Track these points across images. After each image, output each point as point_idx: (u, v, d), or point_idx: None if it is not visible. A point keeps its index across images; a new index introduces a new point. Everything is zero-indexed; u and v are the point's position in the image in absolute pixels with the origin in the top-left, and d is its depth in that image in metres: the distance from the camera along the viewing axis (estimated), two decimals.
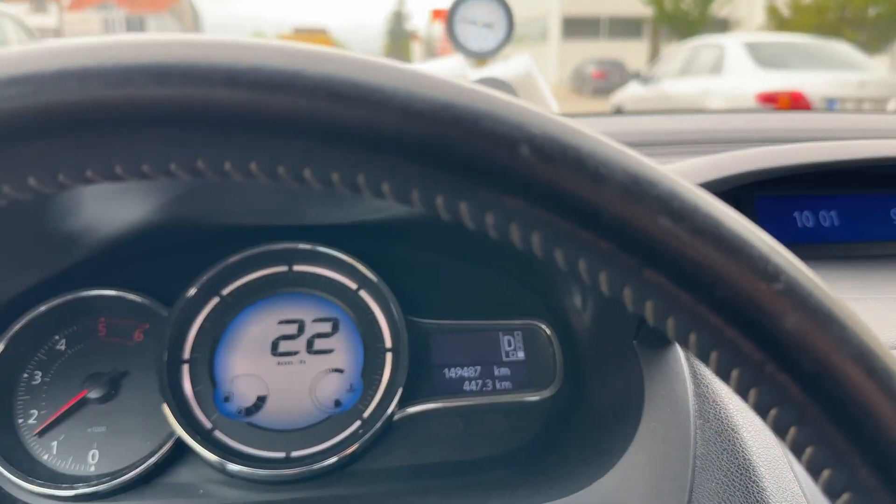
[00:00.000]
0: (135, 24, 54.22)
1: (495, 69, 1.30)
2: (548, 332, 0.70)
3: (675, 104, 6.94)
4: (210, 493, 0.61)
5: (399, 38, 61.73)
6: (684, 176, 0.62)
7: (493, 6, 1.30)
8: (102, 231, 0.62)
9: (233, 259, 0.67)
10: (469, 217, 0.22)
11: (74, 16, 50.99)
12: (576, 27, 30.00)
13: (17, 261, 0.61)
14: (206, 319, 0.66)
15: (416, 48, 53.97)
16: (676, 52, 8.31)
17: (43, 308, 0.65)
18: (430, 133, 0.20)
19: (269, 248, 0.68)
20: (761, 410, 0.22)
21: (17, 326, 0.64)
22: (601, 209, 0.21)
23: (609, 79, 22.32)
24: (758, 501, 0.48)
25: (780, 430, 0.22)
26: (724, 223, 0.21)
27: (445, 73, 1.39)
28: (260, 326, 0.68)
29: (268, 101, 0.20)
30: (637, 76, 8.26)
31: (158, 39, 0.21)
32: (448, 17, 1.30)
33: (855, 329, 0.21)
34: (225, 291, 0.68)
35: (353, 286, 0.69)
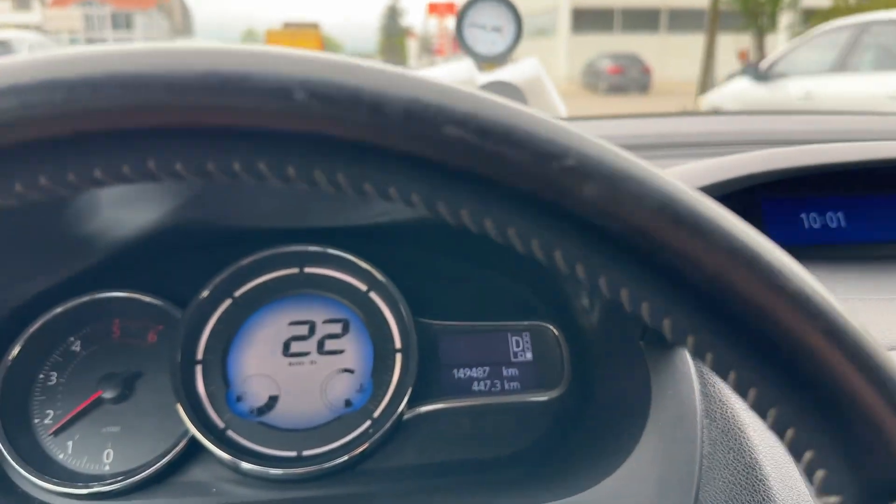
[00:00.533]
0: (121, 21, 52.74)
1: (503, 73, 1.31)
2: (556, 332, 0.71)
3: (844, 107, 4.78)
4: (223, 491, 0.62)
5: (394, 35, 60.89)
6: (689, 178, 0.63)
7: (502, 10, 1.31)
8: (117, 234, 0.63)
9: (245, 261, 0.68)
10: (519, 240, 0.23)
11: (57, 12, 50.48)
12: (587, 20, 28.30)
13: (34, 263, 0.62)
14: (218, 321, 0.67)
15: (412, 45, 52.69)
16: (813, 40, 5.96)
17: (58, 310, 0.66)
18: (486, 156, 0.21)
19: (280, 251, 0.69)
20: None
21: (33, 328, 0.65)
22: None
23: (626, 74, 20.53)
24: (764, 500, 0.48)
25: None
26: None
27: (453, 76, 1.40)
28: (271, 328, 0.69)
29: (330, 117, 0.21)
30: (751, 70, 6.22)
31: (216, 48, 0.22)
32: (457, 21, 1.31)
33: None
34: (237, 293, 0.69)
35: (363, 288, 0.70)
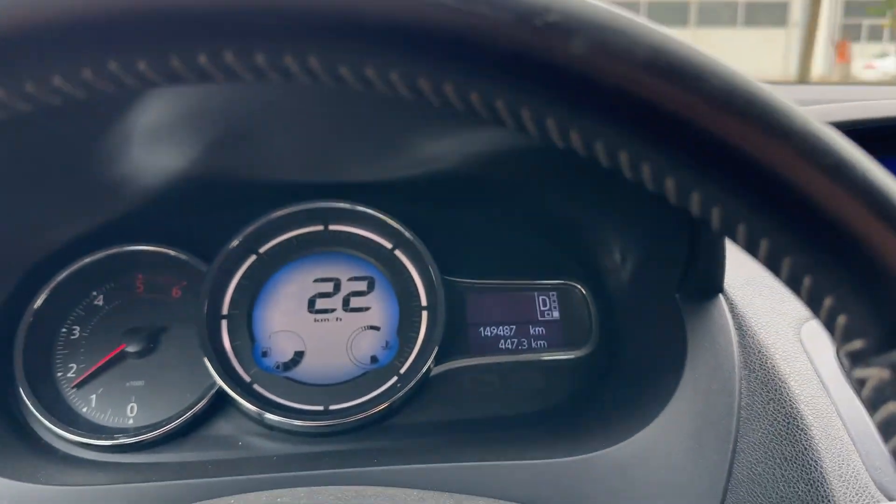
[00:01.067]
0: None
1: None
2: (583, 292, 0.70)
3: None
4: (249, 444, 0.61)
5: None
6: None
7: None
8: (142, 183, 0.62)
9: (269, 217, 0.67)
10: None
11: None
12: (661, 13, 23.65)
13: (60, 209, 0.61)
14: (243, 276, 0.67)
15: None
16: None
17: (83, 262, 0.65)
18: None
19: (305, 207, 0.68)
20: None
21: (56, 280, 0.64)
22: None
23: None
24: (806, 450, 0.48)
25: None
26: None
27: None
28: (296, 284, 0.68)
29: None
30: None
31: None
32: None
33: None
34: (262, 249, 0.68)
35: (389, 245, 0.69)
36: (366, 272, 0.69)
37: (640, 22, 0.21)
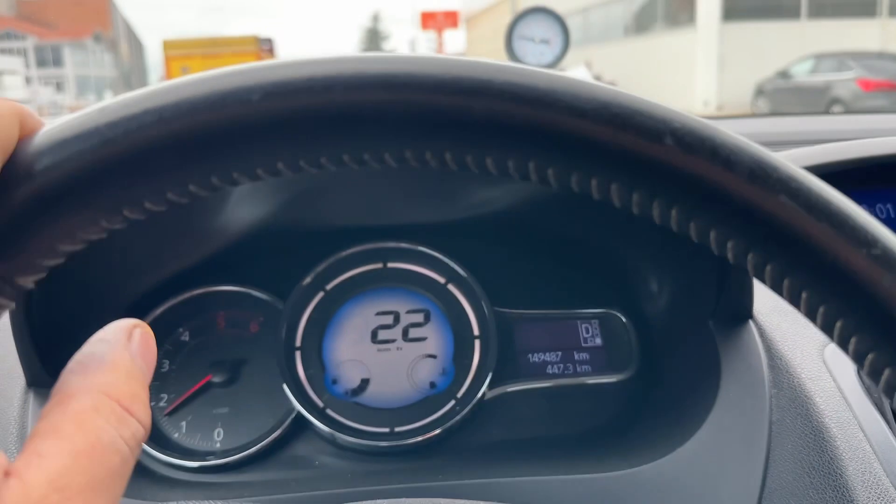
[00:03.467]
0: (47, 56, 41.36)
1: None
2: (623, 319, 0.76)
3: None
4: (324, 464, 0.68)
5: None
6: None
7: (550, 23, 1.37)
8: (226, 231, 0.70)
9: (335, 257, 0.74)
10: (617, 196, 0.28)
11: None
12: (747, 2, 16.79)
13: (160, 255, 0.69)
14: (313, 311, 0.74)
15: None
16: None
17: (171, 302, 0.73)
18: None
19: (366, 247, 0.75)
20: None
21: (148, 319, 0.72)
22: (730, 190, 0.26)
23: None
24: (832, 459, 0.53)
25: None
26: (833, 201, 0.27)
27: None
28: (360, 317, 0.75)
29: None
30: None
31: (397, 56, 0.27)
32: (507, 34, 1.37)
33: None
34: (329, 286, 0.75)
35: (443, 280, 0.76)
36: (422, 305, 0.76)
37: (719, 129, 0.28)
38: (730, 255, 0.28)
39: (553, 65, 1.40)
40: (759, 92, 13.32)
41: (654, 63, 18.12)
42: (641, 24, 19.68)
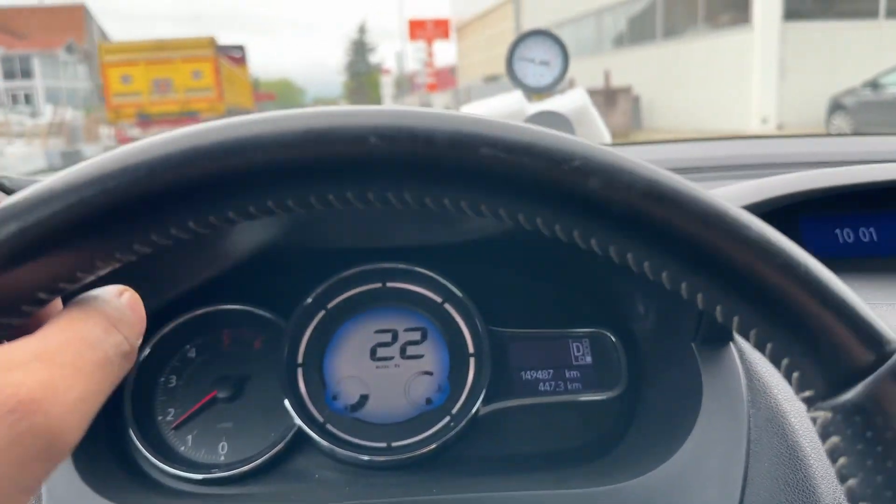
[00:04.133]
0: (14, 67, 37.82)
1: (552, 103, 1.40)
2: (612, 339, 0.79)
3: None
4: (323, 477, 0.71)
5: (362, 74, 52.84)
6: (735, 198, 0.71)
7: (550, 45, 1.40)
8: (230, 253, 0.73)
9: (336, 277, 0.77)
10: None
11: None
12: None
13: (165, 281, 0.73)
14: (314, 329, 0.77)
15: (386, 82, 42.72)
16: None
17: (179, 321, 0.76)
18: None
19: (366, 268, 0.78)
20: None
21: (158, 336, 0.75)
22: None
23: None
24: (806, 476, 0.55)
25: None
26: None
27: (504, 107, 1.48)
28: (359, 335, 0.78)
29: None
30: None
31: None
32: (507, 56, 1.41)
33: None
34: (330, 305, 0.78)
35: (439, 300, 0.79)
36: (419, 324, 0.79)
37: (639, 162, 0.30)
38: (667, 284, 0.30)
39: (552, 86, 1.43)
40: (837, 107, 11.06)
41: (697, 71, 15.23)
42: (672, 26, 16.60)
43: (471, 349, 0.77)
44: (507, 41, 1.45)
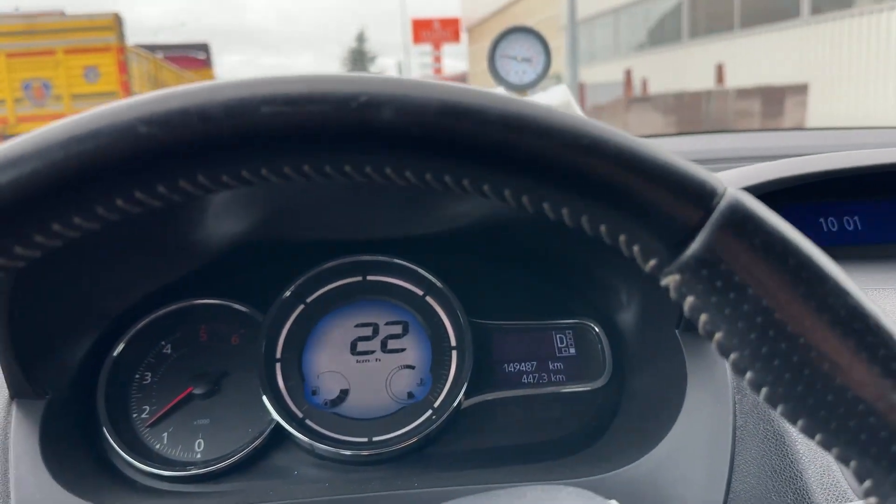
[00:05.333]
0: None
1: (535, 99, 1.39)
2: (596, 330, 0.78)
3: None
4: (303, 473, 0.69)
5: None
6: None
7: (532, 42, 1.40)
8: (206, 246, 0.72)
9: (315, 270, 0.76)
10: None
11: None
12: None
13: (143, 270, 0.71)
14: (293, 323, 0.75)
15: None
16: None
17: (154, 315, 0.74)
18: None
19: (346, 261, 0.77)
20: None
21: (132, 332, 0.73)
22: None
23: None
24: (792, 463, 0.55)
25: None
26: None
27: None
28: (340, 329, 0.77)
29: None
30: None
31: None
32: (489, 53, 1.40)
33: None
34: (309, 299, 0.77)
35: (421, 292, 0.78)
36: (401, 317, 0.78)
37: (428, 83, 0.28)
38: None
39: (534, 83, 1.43)
40: None
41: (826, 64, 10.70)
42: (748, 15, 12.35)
43: (453, 342, 0.75)
44: None
